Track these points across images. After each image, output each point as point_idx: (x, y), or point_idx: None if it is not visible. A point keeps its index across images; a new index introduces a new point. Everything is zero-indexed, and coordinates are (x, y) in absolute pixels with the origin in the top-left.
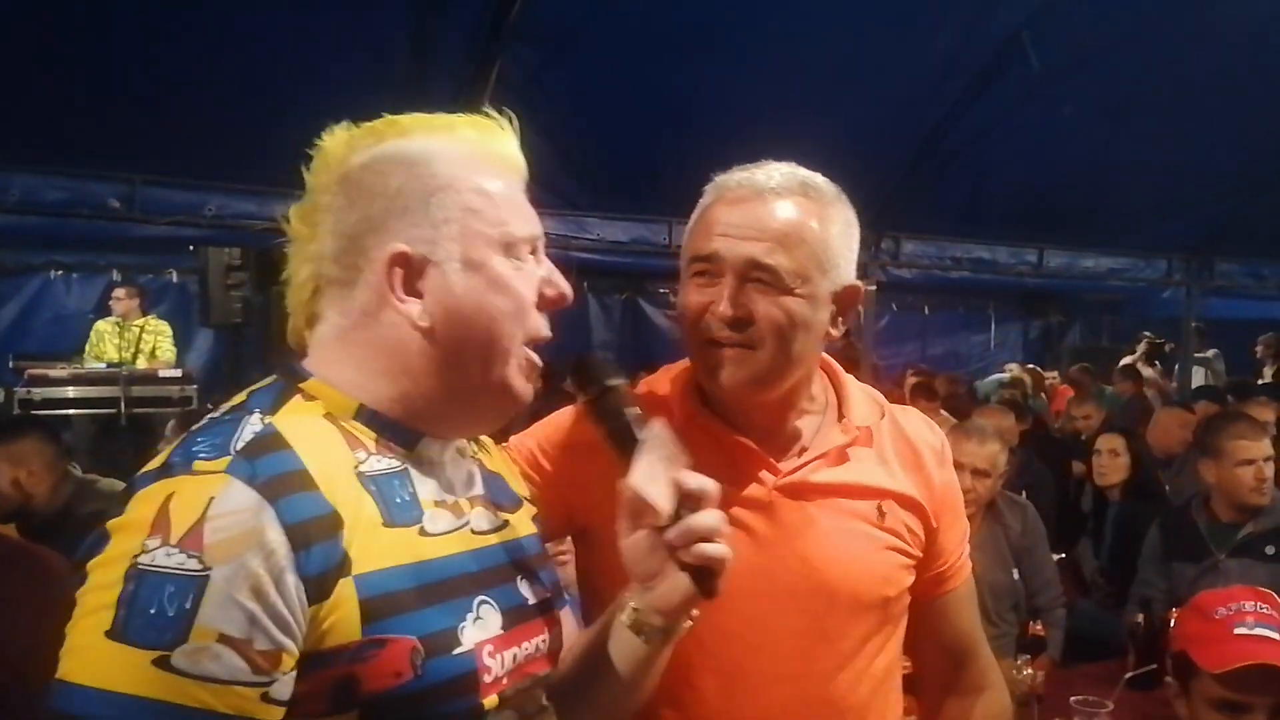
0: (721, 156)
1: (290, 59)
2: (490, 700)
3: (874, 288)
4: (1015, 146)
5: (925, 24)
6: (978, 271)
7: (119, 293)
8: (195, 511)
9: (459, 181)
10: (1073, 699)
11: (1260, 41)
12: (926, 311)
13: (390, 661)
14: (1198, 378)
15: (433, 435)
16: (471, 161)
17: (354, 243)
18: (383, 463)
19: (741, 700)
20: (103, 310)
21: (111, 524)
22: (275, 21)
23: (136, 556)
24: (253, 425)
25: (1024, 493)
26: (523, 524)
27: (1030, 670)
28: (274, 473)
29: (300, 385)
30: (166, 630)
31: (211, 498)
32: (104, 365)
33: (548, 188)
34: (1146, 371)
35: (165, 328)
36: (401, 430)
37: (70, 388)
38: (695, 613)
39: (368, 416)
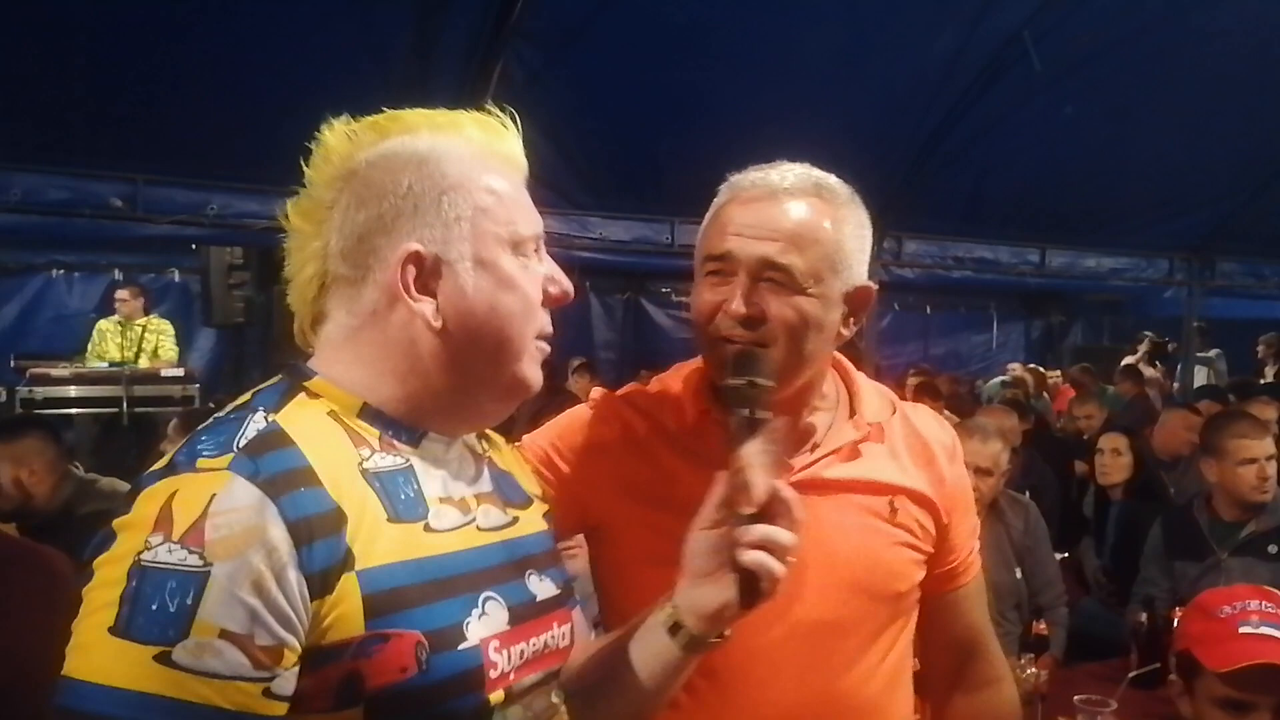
0: (724, 156)
1: (293, 58)
2: (496, 696)
3: (875, 287)
4: (1017, 146)
5: (927, 23)
6: (980, 271)
7: (123, 294)
8: (197, 508)
9: (469, 181)
10: (1076, 698)
11: (1262, 41)
12: (928, 311)
13: (395, 656)
14: (1200, 377)
15: (438, 432)
16: (480, 161)
17: (363, 241)
18: (387, 460)
19: (749, 696)
20: (105, 309)
21: (117, 522)
22: (278, 21)
23: (140, 554)
24: (256, 423)
25: (1026, 492)
26: (533, 521)
27: (1033, 669)
28: (277, 469)
29: (305, 384)
30: (168, 626)
31: (213, 494)
32: (106, 365)
33: (550, 187)
34: (1148, 371)
35: (167, 327)
36: (406, 428)
37: (72, 387)
38: (728, 632)
39: (371, 415)
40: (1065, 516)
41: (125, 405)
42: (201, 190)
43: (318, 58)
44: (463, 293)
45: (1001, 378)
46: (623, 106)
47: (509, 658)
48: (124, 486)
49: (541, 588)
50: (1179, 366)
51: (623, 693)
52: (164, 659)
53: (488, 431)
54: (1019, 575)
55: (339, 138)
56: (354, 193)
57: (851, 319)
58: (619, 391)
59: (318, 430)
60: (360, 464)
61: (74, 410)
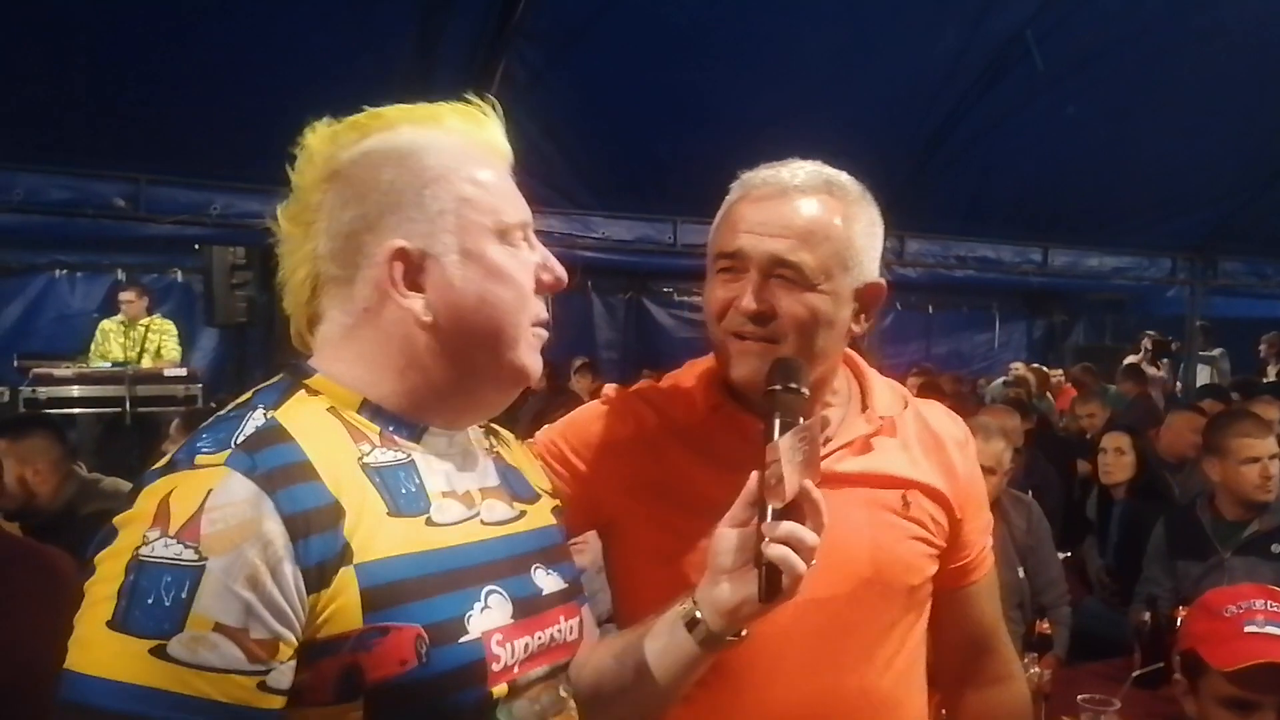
0: (726, 156)
1: (295, 58)
2: (500, 689)
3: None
4: (1020, 145)
5: (929, 23)
6: (982, 270)
7: (128, 294)
8: (194, 503)
9: (451, 172)
10: (1079, 697)
11: (1265, 40)
12: (931, 311)
13: (394, 649)
14: (1203, 376)
15: (440, 426)
16: (461, 151)
17: (350, 240)
18: (387, 455)
19: (762, 690)
20: (108, 309)
21: (118, 518)
22: (280, 20)
23: (138, 549)
24: (255, 420)
25: (1029, 492)
26: (540, 516)
27: (1036, 669)
28: (274, 464)
29: (305, 381)
30: (164, 619)
31: (210, 490)
32: (109, 365)
33: (552, 186)
34: (1151, 371)
35: (170, 327)
36: (407, 423)
37: (75, 387)
38: (744, 632)
39: (371, 411)
40: (1068, 516)
41: (128, 405)
42: (204, 190)
43: (320, 58)
44: (451, 285)
45: (1004, 379)
46: (625, 106)
47: (512, 651)
48: (126, 486)
49: (548, 582)
50: (1182, 366)
51: (636, 688)
52: (159, 652)
53: (497, 428)
54: (1022, 575)
55: (321, 139)
56: (338, 193)
57: (862, 315)
58: (631, 388)
59: (317, 426)
60: (360, 459)
61: (77, 410)
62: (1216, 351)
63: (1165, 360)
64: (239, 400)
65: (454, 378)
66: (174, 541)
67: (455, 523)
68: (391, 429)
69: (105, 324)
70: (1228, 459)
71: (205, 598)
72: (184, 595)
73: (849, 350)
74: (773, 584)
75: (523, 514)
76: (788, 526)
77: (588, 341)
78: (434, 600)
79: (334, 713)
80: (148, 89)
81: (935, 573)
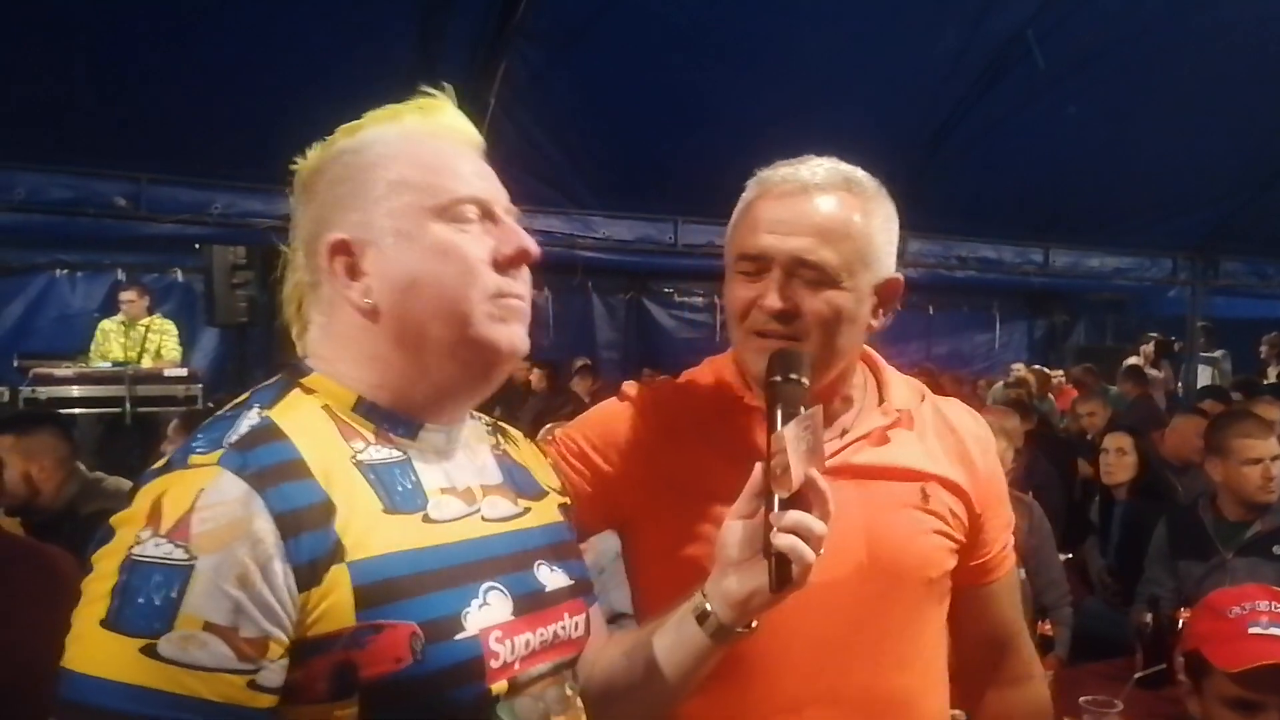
0: (726, 155)
1: (295, 58)
2: (499, 686)
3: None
4: (1021, 145)
5: (929, 23)
6: (983, 271)
7: (129, 294)
8: (185, 503)
9: (388, 159)
10: (1082, 699)
11: (1265, 40)
12: (931, 311)
13: (388, 647)
14: (1204, 377)
15: (434, 421)
16: (406, 138)
17: (310, 244)
18: (382, 452)
19: (777, 682)
20: (108, 309)
21: (115, 518)
22: (280, 20)
23: (131, 548)
24: (250, 419)
25: (1030, 493)
26: (547, 513)
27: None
28: (265, 463)
29: (301, 380)
30: (154, 619)
31: (201, 489)
32: (109, 364)
33: (553, 186)
34: (1153, 372)
35: (171, 327)
36: (402, 421)
37: (75, 387)
38: (755, 623)
39: (366, 409)
40: (1069, 517)
41: (128, 405)
42: (205, 189)
43: (320, 58)
44: (387, 269)
45: (1004, 381)
46: (626, 106)
47: (512, 648)
48: (129, 486)
49: (552, 578)
50: (1183, 366)
51: (647, 685)
52: (150, 651)
53: (505, 426)
54: (1023, 575)
55: (307, 159)
56: (302, 203)
57: (881, 310)
58: (650, 385)
59: (310, 424)
60: (353, 456)
61: (77, 410)
62: (1219, 353)
63: (1167, 361)
64: (236, 400)
65: (413, 359)
66: (165, 541)
67: (454, 519)
68: (387, 426)
69: (105, 324)
70: (1229, 459)
71: (195, 597)
72: (174, 594)
73: (865, 346)
74: (782, 574)
75: (527, 510)
76: (795, 515)
77: (588, 341)
78: (429, 597)
79: (329, 710)
80: (148, 88)
81: (955, 568)
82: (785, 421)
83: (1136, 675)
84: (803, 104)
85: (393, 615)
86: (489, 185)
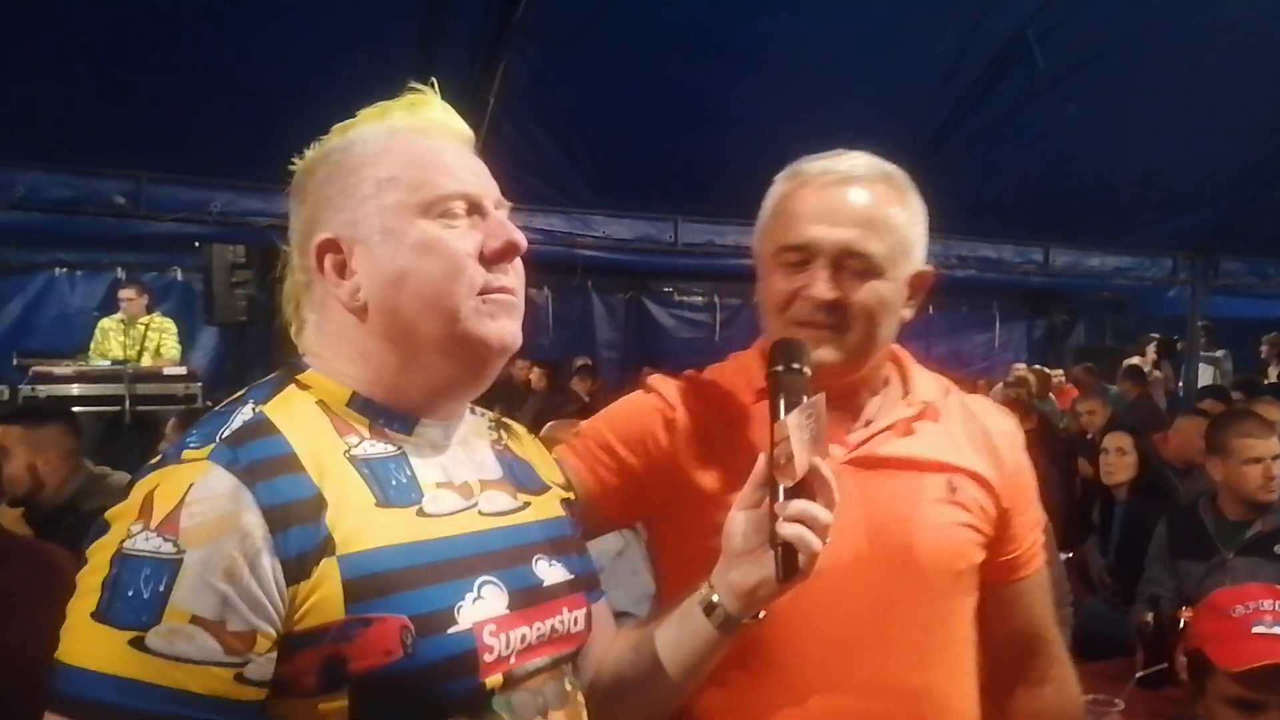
0: (726, 155)
1: (296, 56)
2: (494, 679)
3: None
4: (1021, 145)
5: (930, 22)
6: (983, 270)
7: (129, 293)
8: (175, 497)
9: (374, 157)
10: (1082, 698)
11: (1265, 40)
12: (931, 310)
13: (377, 640)
14: (1205, 377)
15: (430, 417)
16: (393, 136)
17: (302, 245)
18: (377, 447)
19: (800, 676)
20: (108, 308)
21: (110, 512)
22: (281, 19)
23: (123, 541)
24: (243, 415)
25: None
26: (548, 508)
27: None
28: (256, 457)
29: (297, 376)
30: (142, 611)
31: (191, 484)
32: (109, 363)
33: (553, 184)
34: (1154, 373)
35: (170, 325)
36: (397, 416)
37: (75, 385)
38: (763, 614)
39: (360, 404)
40: (1069, 516)
41: (127, 404)
42: (205, 188)
43: (321, 56)
44: (374, 266)
45: (1004, 379)
46: (626, 105)
47: (508, 642)
48: None
49: (551, 573)
50: (1184, 366)
51: (656, 677)
52: (138, 644)
53: (508, 422)
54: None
55: (302, 160)
56: (294, 205)
57: (911, 301)
58: (675, 378)
59: (304, 419)
60: (347, 451)
61: (76, 409)
62: (1220, 353)
63: (1168, 361)
64: (232, 398)
65: (404, 356)
66: (154, 535)
67: (449, 513)
68: (382, 421)
69: (105, 322)
70: (1230, 459)
71: (182, 590)
72: (162, 588)
73: None
74: (789, 563)
75: (527, 505)
76: (800, 504)
77: (588, 341)
78: (421, 591)
79: (319, 703)
80: (148, 87)
81: (983, 563)
82: (788, 410)
83: (1137, 675)
84: (803, 104)
85: (383, 609)
86: (477, 180)
